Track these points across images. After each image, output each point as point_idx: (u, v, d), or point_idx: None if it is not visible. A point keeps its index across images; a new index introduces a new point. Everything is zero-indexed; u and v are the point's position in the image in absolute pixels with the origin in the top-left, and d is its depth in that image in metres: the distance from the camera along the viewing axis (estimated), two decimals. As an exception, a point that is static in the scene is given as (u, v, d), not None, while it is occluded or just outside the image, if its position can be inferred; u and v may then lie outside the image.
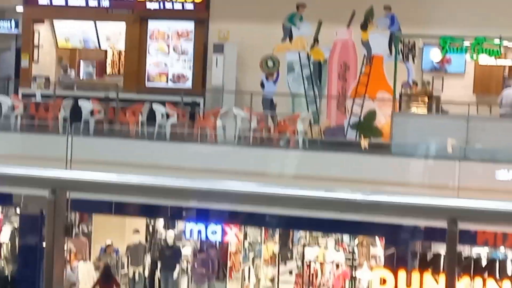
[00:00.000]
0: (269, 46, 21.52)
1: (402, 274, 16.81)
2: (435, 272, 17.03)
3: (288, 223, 19.20)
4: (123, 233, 22.54)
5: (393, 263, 17.51)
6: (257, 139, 19.28)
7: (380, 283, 17.22)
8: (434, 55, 20.36)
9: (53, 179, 3.27)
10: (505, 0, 20.42)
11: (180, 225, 21.73)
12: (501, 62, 19.87)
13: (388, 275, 16.98)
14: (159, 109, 19.64)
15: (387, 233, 18.14)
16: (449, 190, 16.71)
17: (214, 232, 20.72)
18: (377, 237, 19.88)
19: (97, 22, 24.50)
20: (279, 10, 21.53)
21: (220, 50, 22.26)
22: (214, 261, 21.55)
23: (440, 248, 18.11)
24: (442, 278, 16.55)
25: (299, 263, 21.70)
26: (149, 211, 20.14)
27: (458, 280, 16.53)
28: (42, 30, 24.89)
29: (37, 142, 19.64)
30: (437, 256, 17.69)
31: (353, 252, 20.76)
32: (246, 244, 22.08)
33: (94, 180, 3.66)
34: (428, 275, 16.87)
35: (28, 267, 20.49)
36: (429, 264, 17.59)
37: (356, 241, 20.74)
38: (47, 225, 3.05)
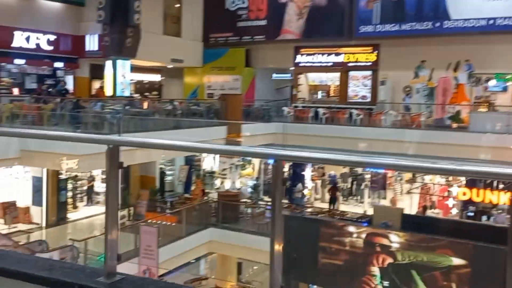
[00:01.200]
0: (407, 81, 21.32)
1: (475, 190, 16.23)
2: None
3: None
4: (337, 167, 21.97)
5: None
6: (400, 125, 19.06)
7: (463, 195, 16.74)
8: (491, 83, 19.29)
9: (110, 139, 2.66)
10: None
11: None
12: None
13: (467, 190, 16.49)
14: (354, 112, 19.87)
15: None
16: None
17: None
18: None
19: (326, 73, 24.57)
20: (412, 64, 21.22)
21: (384, 84, 22.34)
22: (381, 181, 21.33)
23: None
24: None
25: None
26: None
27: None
28: (301, 77, 25.30)
29: (300, 127, 19.87)
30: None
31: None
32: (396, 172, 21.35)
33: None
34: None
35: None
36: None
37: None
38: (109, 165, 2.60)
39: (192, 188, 21.09)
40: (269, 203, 18.97)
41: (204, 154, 20.50)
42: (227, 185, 18.15)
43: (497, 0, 19.60)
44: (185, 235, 15.90)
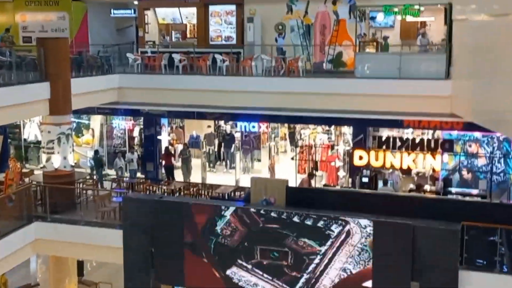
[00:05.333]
0: (279, 17, 20.43)
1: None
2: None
3: (293, 120, 18.66)
4: (201, 127, 21.65)
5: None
6: (275, 72, 17.93)
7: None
8: (379, 17, 18.76)
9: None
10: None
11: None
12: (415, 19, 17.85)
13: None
14: (218, 57, 18.40)
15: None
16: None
17: (253, 126, 19.55)
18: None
19: (180, 8, 23.68)
20: None
21: (251, 21, 21.32)
22: (254, 141, 20.84)
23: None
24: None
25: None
26: (217, 117, 19.54)
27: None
28: (149, 14, 23.95)
29: (149, 79, 18.53)
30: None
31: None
32: (270, 130, 21.45)
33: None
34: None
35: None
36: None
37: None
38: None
39: (9, 167, 18.20)
40: (117, 180, 18.18)
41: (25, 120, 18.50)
42: (56, 162, 15.40)
43: None
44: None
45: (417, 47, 17.41)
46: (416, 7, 16.27)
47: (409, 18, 17.15)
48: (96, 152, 20.10)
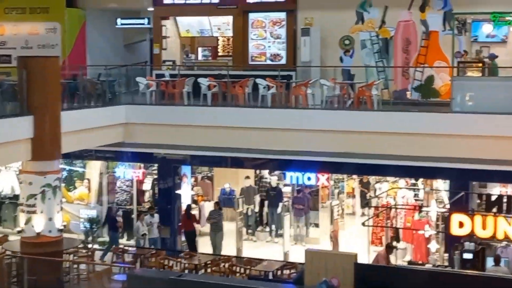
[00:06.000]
0: (345, 28, 21.12)
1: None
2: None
3: (364, 170, 18.69)
4: (237, 179, 22.01)
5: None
6: (340, 104, 18.23)
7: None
8: (486, 29, 19.25)
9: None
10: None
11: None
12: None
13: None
14: (261, 82, 18.78)
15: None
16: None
17: (309, 178, 19.88)
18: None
19: (210, 16, 24.27)
20: None
21: (307, 34, 21.49)
22: (309, 199, 20.94)
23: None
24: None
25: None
26: (258, 164, 19.60)
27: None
28: (168, 24, 24.51)
29: (167, 112, 19.01)
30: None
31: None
32: (332, 183, 21.76)
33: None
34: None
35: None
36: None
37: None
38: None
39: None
40: (121, 251, 18.37)
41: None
42: (39, 224, 15.70)
43: None
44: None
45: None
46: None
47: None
48: (109, 209, 20.61)
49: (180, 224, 19.92)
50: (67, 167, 21.86)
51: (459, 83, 16.88)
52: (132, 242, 20.23)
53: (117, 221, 20.42)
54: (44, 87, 15.92)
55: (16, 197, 21.61)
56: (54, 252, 15.63)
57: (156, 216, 20.02)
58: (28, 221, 15.90)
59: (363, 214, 21.94)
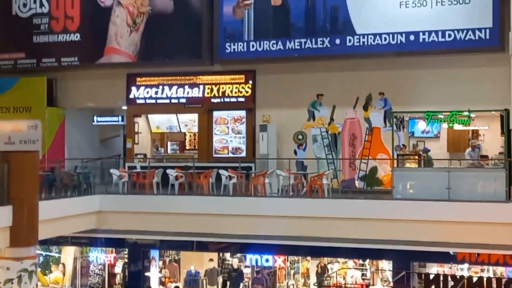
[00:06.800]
0: (299, 125, 21.69)
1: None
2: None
3: (317, 252, 19.06)
4: (202, 261, 21.81)
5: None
6: (294, 192, 18.63)
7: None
8: (421, 125, 19.79)
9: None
10: (471, 84, 19.45)
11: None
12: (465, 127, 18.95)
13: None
14: (224, 173, 19.31)
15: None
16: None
17: (267, 260, 20.16)
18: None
19: (178, 114, 24.70)
20: (305, 99, 21.56)
21: (265, 129, 21.90)
22: (268, 279, 20.84)
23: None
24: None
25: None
26: (221, 247, 20.12)
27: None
28: (140, 121, 24.92)
29: (137, 201, 19.00)
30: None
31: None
32: (288, 264, 21.42)
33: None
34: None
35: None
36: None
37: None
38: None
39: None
40: None
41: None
42: None
43: (418, 7, 19.77)
44: None
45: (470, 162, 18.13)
46: (466, 113, 17.07)
47: (458, 127, 17.93)
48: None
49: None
50: (44, 252, 21.73)
51: (399, 173, 17.27)
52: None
53: None
54: (23, 179, 15.49)
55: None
56: None
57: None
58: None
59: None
